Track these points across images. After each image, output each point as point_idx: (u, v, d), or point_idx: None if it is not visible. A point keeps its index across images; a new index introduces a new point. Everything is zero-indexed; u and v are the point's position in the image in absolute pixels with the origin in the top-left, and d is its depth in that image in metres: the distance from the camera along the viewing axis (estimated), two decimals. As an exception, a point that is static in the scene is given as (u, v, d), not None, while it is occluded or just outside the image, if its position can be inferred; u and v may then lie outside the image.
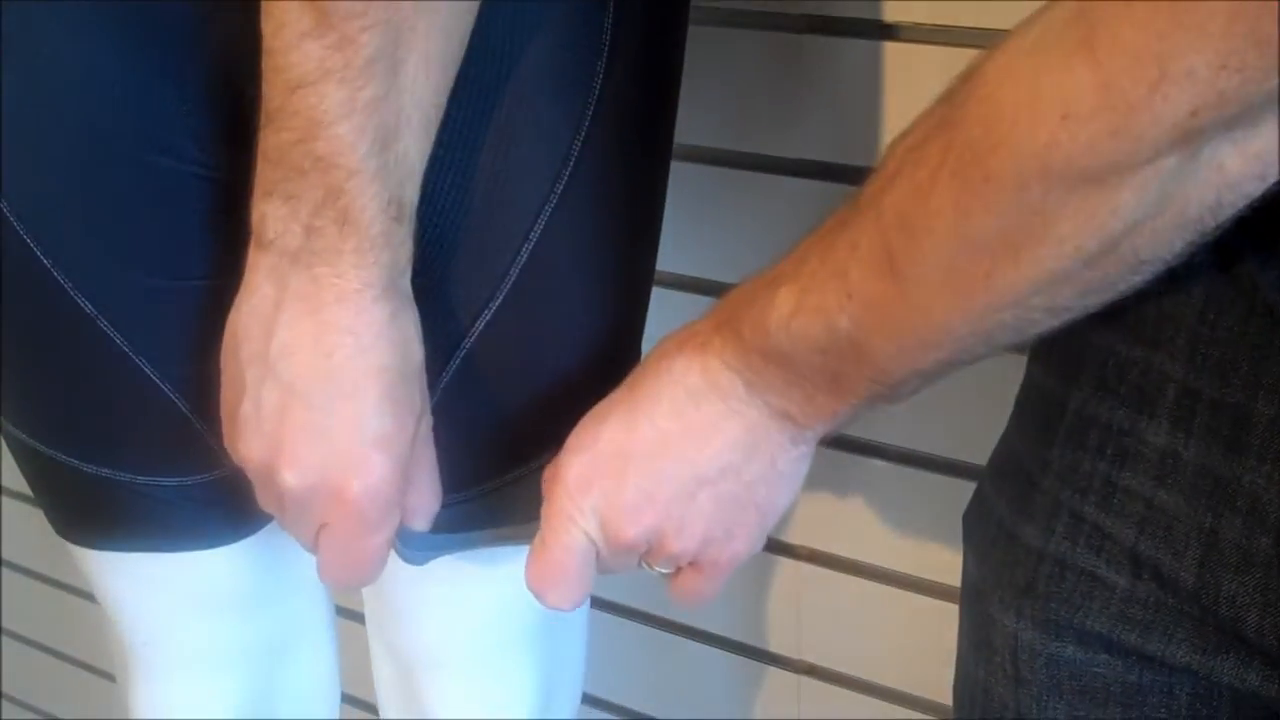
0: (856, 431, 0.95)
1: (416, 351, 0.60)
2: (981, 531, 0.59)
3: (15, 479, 1.45)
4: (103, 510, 0.73)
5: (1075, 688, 0.54)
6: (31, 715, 1.67)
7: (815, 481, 0.98)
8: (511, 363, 0.67)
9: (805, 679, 1.07)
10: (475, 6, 0.55)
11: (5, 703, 1.68)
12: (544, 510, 0.62)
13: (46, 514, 0.76)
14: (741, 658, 1.09)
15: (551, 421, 0.70)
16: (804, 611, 1.05)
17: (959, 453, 0.91)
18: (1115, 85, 0.39)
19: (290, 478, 0.59)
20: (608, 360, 0.72)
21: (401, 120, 0.54)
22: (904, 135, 0.49)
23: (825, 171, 0.89)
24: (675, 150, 0.73)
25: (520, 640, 0.78)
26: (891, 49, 0.84)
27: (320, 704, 0.87)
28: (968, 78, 0.45)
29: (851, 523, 0.99)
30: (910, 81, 0.84)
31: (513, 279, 0.65)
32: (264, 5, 0.53)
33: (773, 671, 1.08)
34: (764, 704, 1.10)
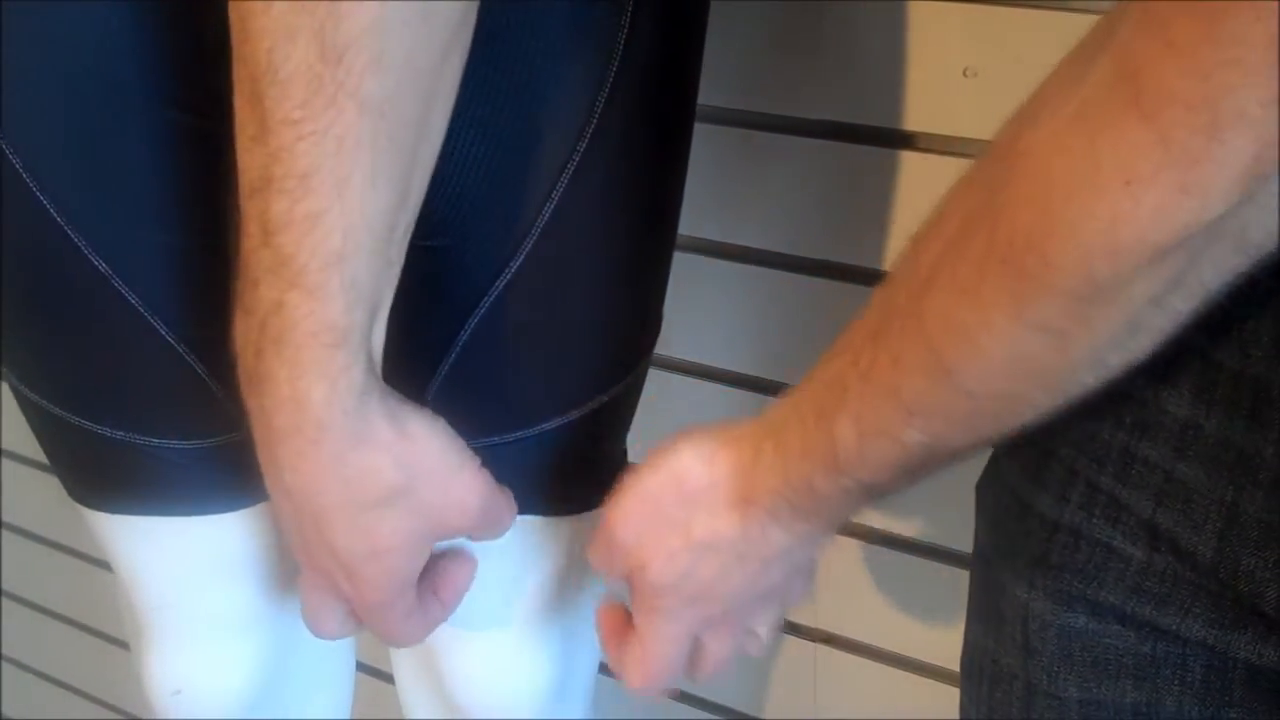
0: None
1: (384, 478, 0.57)
2: (994, 500, 0.58)
3: (18, 442, 1.45)
4: (116, 473, 0.72)
5: (1087, 659, 0.53)
6: (37, 681, 1.67)
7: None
8: (530, 324, 0.67)
9: (822, 648, 1.07)
10: (435, 118, 0.52)
11: (9, 667, 1.69)
12: (638, 610, 0.62)
13: (59, 477, 0.76)
14: (757, 627, 1.08)
15: (569, 382, 0.70)
16: (821, 580, 1.04)
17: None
18: (1173, 138, 0.37)
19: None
20: (628, 324, 0.72)
21: (347, 242, 0.51)
22: (927, 230, 0.47)
23: (846, 133, 0.88)
24: (698, 112, 0.72)
25: (537, 612, 0.77)
26: (914, 8, 0.83)
27: (335, 671, 0.87)
28: (1003, 157, 0.42)
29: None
30: (933, 41, 0.83)
31: (534, 239, 0.64)
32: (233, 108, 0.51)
33: (789, 640, 1.08)
34: (780, 674, 1.10)
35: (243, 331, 0.54)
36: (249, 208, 0.51)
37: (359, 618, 0.64)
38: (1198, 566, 0.49)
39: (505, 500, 0.65)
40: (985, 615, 0.58)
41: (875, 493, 0.53)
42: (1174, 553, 0.50)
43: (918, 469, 0.51)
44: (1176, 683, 0.52)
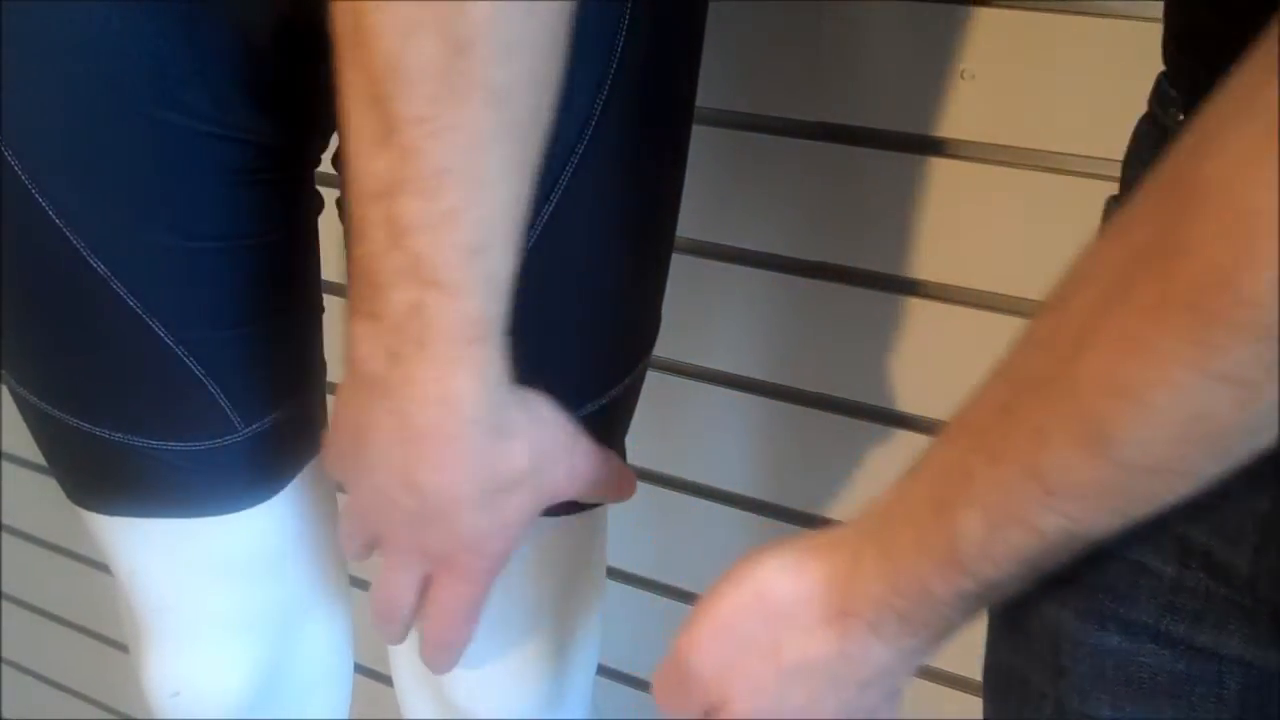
0: (861, 398, 0.94)
1: (518, 464, 0.58)
2: None
3: (17, 443, 1.45)
4: (115, 475, 0.72)
5: (1120, 678, 0.51)
6: (37, 683, 1.67)
7: (830, 451, 0.98)
8: (527, 326, 0.67)
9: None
10: (546, 105, 0.51)
11: (9, 669, 1.69)
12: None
13: (58, 479, 0.76)
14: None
15: (567, 384, 0.70)
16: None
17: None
18: None
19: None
20: (626, 325, 0.72)
21: (484, 235, 0.50)
22: (1071, 286, 0.42)
23: (844, 134, 0.89)
24: (696, 114, 0.72)
25: (536, 613, 0.77)
26: (912, 10, 0.83)
27: (334, 672, 0.87)
28: (1175, 191, 0.38)
29: (863, 492, 0.98)
30: (930, 43, 0.83)
31: (532, 240, 0.64)
32: (342, 111, 0.50)
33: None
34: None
35: (368, 338, 0.53)
36: (370, 213, 0.50)
37: (430, 612, 0.64)
38: (1232, 581, 0.47)
39: (615, 463, 0.65)
40: (1009, 632, 0.55)
41: (994, 594, 0.47)
42: (1206, 569, 0.48)
43: (1047, 561, 0.46)
44: (1212, 700, 0.49)
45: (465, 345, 0.52)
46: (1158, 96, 0.52)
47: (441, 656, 0.68)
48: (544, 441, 0.59)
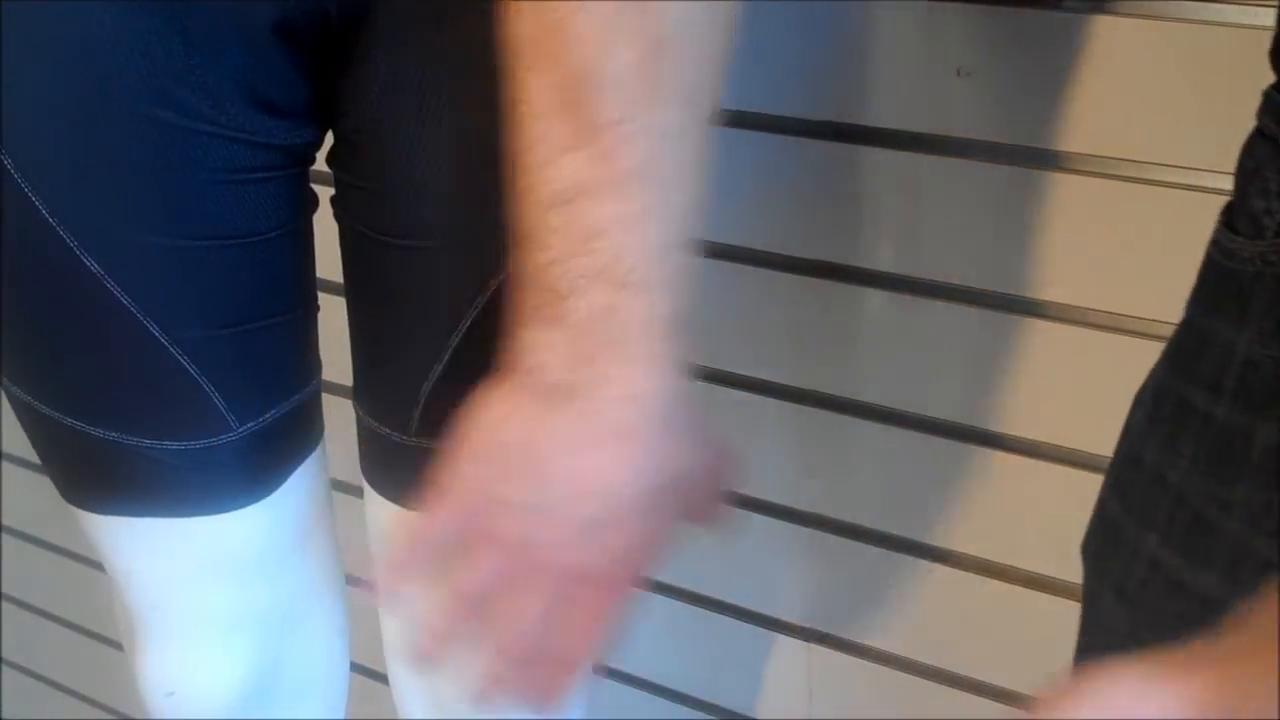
0: (860, 397, 0.94)
1: (686, 461, 0.57)
2: (1122, 569, 0.54)
3: (17, 443, 1.45)
4: (110, 474, 0.72)
5: None
6: (35, 683, 1.67)
7: (821, 447, 0.98)
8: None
9: (816, 647, 1.06)
10: (715, 101, 0.51)
11: (8, 669, 1.68)
12: None
13: (53, 478, 0.76)
14: (752, 625, 1.08)
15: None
16: (815, 579, 1.04)
17: (960, 416, 0.90)
18: None
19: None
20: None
21: (675, 233, 0.50)
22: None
23: (842, 133, 0.88)
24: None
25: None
26: (909, 8, 0.83)
27: (329, 672, 0.87)
28: None
29: (860, 489, 0.98)
30: (927, 41, 0.83)
31: None
32: (515, 121, 0.49)
33: (783, 639, 1.08)
34: (774, 671, 1.10)
35: (548, 346, 0.52)
36: (553, 220, 0.49)
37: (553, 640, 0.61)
38: None
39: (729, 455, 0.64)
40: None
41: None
42: None
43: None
44: None
45: (657, 343, 0.52)
46: (1269, 109, 0.50)
47: (560, 683, 0.63)
48: (697, 439, 0.58)
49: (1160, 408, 0.53)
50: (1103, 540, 0.56)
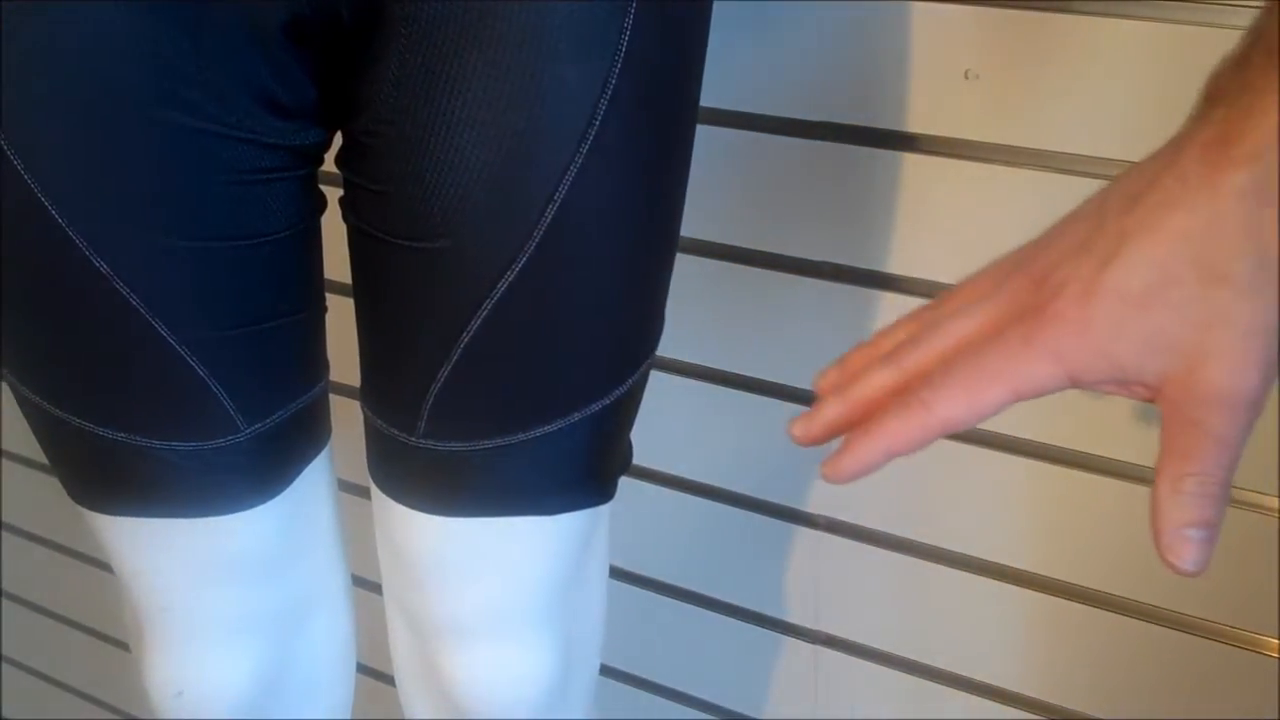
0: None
1: None
2: None
3: (18, 443, 1.45)
4: (117, 475, 0.72)
5: None
6: (37, 682, 1.67)
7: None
8: (533, 326, 0.67)
9: (822, 650, 1.06)
10: None
11: (9, 668, 1.68)
12: None
13: (60, 479, 0.76)
14: (758, 628, 1.09)
15: (571, 386, 0.70)
16: (821, 582, 1.04)
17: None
18: None
19: None
20: (631, 325, 0.72)
21: None
22: None
23: (847, 134, 0.89)
24: (700, 114, 0.72)
25: (539, 609, 0.77)
26: (916, 10, 0.83)
27: (336, 672, 0.87)
28: None
29: (869, 492, 0.98)
30: (934, 43, 0.83)
31: (537, 240, 0.64)
32: None
33: (789, 642, 1.08)
34: (781, 674, 1.10)
35: None
36: None
37: None
38: None
39: None
40: None
41: None
42: None
43: None
44: None
45: None
46: None
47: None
48: None
49: None
50: None
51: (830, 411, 0.56)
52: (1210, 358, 0.47)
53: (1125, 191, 0.50)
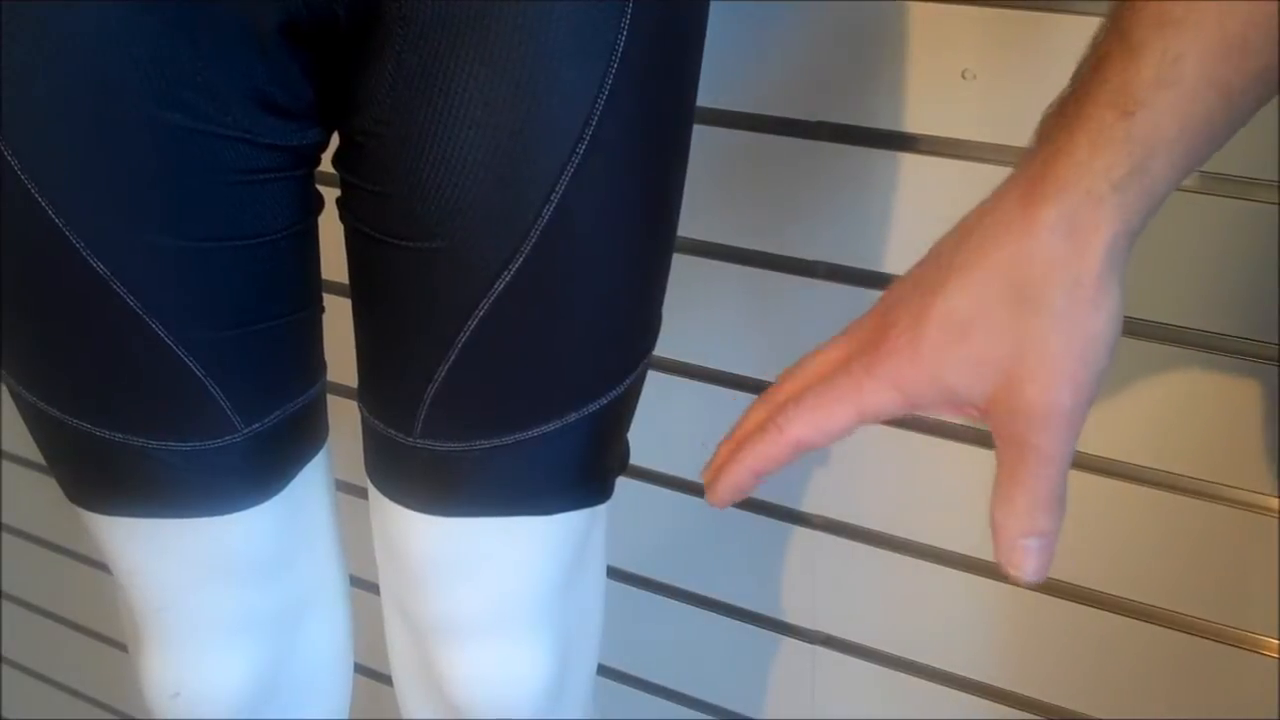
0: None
1: None
2: None
3: (17, 443, 1.45)
4: (114, 475, 0.72)
5: None
6: (37, 683, 1.67)
7: (831, 450, 0.98)
8: (530, 326, 0.67)
9: (820, 649, 1.06)
10: None
11: (9, 669, 1.68)
12: None
13: (58, 480, 0.76)
14: (756, 628, 1.09)
15: (568, 386, 0.70)
16: (819, 581, 1.04)
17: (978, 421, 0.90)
18: None
19: None
20: (628, 325, 0.72)
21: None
22: None
23: (845, 134, 0.89)
24: (698, 114, 0.72)
25: (536, 609, 0.77)
26: (913, 10, 0.83)
27: (334, 672, 0.87)
28: None
29: (867, 492, 0.98)
30: (932, 43, 0.83)
31: (533, 241, 0.64)
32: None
33: (787, 641, 1.08)
34: (779, 674, 1.10)
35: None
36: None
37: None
38: None
39: None
40: None
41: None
42: None
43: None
44: None
45: None
46: None
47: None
48: None
49: None
50: None
51: (720, 454, 0.61)
52: (1026, 379, 0.51)
53: (959, 231, 0.55)
